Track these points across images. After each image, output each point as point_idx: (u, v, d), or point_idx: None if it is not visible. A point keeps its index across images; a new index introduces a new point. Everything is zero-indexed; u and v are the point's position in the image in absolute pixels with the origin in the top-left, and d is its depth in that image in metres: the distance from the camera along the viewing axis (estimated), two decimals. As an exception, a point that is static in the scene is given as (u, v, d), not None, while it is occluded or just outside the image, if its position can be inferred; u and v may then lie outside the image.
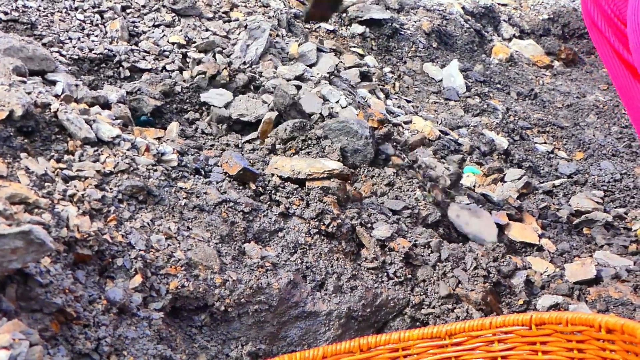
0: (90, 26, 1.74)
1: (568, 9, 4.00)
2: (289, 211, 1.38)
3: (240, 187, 1.36)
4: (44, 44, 1.58)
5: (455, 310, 1.39)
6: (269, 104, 1.68)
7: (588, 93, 3.21)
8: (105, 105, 1.45)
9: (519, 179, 2.06)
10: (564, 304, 1.49)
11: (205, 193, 1.31)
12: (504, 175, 2.11)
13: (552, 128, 2.70)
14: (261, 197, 1.38)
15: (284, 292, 1.28)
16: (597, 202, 2.07)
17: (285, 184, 1.43)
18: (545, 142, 2.59)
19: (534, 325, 1.10)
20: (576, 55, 3.67)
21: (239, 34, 1.93)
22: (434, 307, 1.39)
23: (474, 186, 2.01)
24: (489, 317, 1.18)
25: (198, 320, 1.20)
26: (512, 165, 2.28)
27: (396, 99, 2.46)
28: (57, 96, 1.34)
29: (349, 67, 2.37)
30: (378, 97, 2.32)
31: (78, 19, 1.73)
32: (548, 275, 1.63)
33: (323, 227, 1.37)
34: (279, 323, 1.28)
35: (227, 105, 1.66)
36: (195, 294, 1.18)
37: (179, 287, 1.16)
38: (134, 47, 1.75)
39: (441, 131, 2.29)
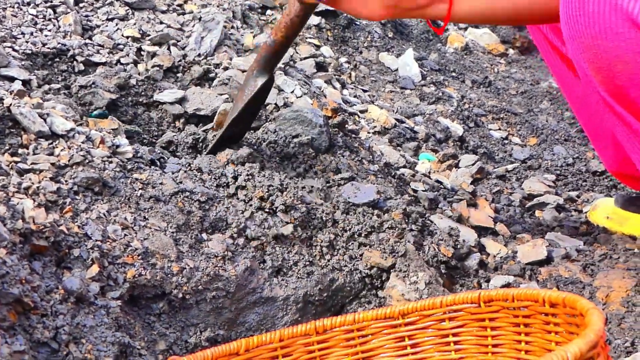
0: (43, 21, 1.74)
1: (522, -3, 4.05)
2: (244, 200, 1.40)
3: (196, 175, 1.38)
4: (-4, 40, 1.58)
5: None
6: (225, 96, 1.70)
7: (542, 80, 3.27)
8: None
9: (473, 164, 2.10)
10: (515, 284, 1.53)
11: (161, 183, 1.33)
12: (459, 161, 2.15)
13: (506, 115, 2.75)
14: (217, 187, 1.40)
15: (241, 279, 1.30)
16: (549, 186, 2.12)
17: (242, 172, 1.45)
18: (499, 129, 2.63)
19: (483, 303, 1.14)
20: (531, 43, 3.72)
21: (193, 26, 1.94)
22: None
23: (429, 173, 2.04)
24: (439, 296, 1.21)
25: (156, 308, 1.22)
26: (467, 152, 2.32)
27: (352, 88, 2.49)
28: (11, 91, 1.35)
29: (305, 58, 2.39)
30: (334, 87, 2.34)
31: (30, 14, 1.74)
32: (501, 257, 1.67)
33: (280, 215, 1.39)
34: (237, 309, 1.31)
35: (181, 101, 1.67)
36: (153, 282, 1.20)
37: (137, 275, 1.18)
38: (87, 41, 1.75)
39: (397, 119, 2.32)
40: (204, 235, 1.32)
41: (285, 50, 1.53)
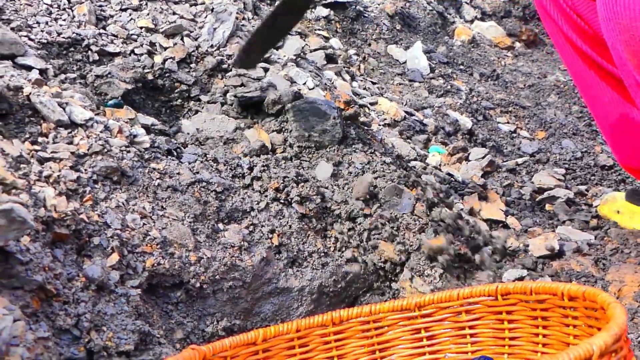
0: (58, 10, 1.74)
1: (529, -10, 4.05)
2: (260, 190, 1.41)
3: (213, 166, 1.38)
4: (12, 29, 1.58)
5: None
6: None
7: (549, 73, 3.27)
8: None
9: (483, 157, 2.11)
10: (528, 277, 1.54)
11: (178, 173, 1.33)
12: (469, 154, 2.15)
13: (514, 108, 2.75)
14: (233, 177, 1.41)
15: (257, 269, 1.31)
16: (559, 180, 2.12)
17: (257, 163, 1.45)
18: (507, 122, 2.64)
19: (500, 296, 1.15)
20: (537, 36, 3.73)
21: (205, 17, 1.95)
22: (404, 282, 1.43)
23: (440, 165, 2.05)
24: (456, 289, 1.22)
25: (174, 297, 1.22)
26: (476, 145, 2.32)
27: (361, 80, 2.49)
28: (29, 80, 1.35)
29: (315, 50, 2.39)
30: (344, 79, 2.35)
31: (45, 3, 1.74)
32: (513, 250, 1.68)
33: (296, 206, 1.40)
34: (253, 299, 1.31)
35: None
36: (171, 271, 1.20)
37: (155, 264, 1.19)
38: (102, 31, 1.75)
39: (406, 112, 2.33)
40: (221, 225, 1.32)
41: None
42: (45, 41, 1.61)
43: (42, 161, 1.19)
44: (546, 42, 3.77)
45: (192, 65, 1.78)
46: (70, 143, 1.25)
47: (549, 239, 1.71)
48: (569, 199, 1.99)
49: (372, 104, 2.30)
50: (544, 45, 3.73)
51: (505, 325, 1.15)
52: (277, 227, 1.37)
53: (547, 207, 1.96)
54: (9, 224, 0.89)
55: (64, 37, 1.66)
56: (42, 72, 1.45)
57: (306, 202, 1.42)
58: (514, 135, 2.53)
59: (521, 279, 1.53)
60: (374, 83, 2.55)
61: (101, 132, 1.30)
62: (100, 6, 1.83)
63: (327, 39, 2.60)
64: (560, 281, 1.56)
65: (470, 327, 1.18)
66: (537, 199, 1.99)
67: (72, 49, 1.66)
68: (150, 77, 1.67)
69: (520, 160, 2.23)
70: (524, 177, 2.14)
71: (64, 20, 1.72)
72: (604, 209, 1.87)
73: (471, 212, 1.73)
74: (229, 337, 1.14)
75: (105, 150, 1.27)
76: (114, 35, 1.76)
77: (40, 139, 1.22)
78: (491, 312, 1.16)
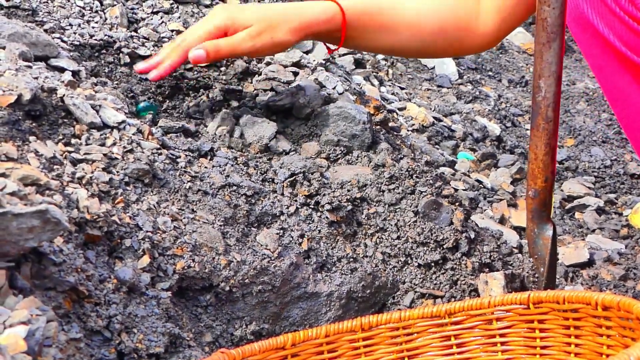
0: (90, 12, 1.75)
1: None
2: (289, 195, 1.41)
3: (243, 170, 1.38)
4: (45, 30, 1.59)
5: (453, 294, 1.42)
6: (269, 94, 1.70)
7: (578, 80, 3.25)
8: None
9: (512, 164, 2.10)
10: (559, 286, 1.53)
11: (208, 177, 1.33)
12: (497, 161, 2.14)
13: (543, 115, 2.73)
14: (263, 181, 1.41)
15: (287, 274, 1.31)
16: (589, 188, 2.11)
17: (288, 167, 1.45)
18: (536, 129, 2.62)
19: (532, 304, 1.14)
20: (565, 43, 3.70)
21: (236, 20, 1.95)
22: (433, 290, 1.42)
23: (469, 172, 2.04)
24: (487, 296, 1.21)
25: (203, 300, 1.23)
26: (504, 152, 2.31)
27: (390, 85, 2.49)
28: (62, 81, 1.36)
29: (344, 54, 2.39)
30: (372, 84, 2.35)
31: (78, 6, 1.75)
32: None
33: (326, 212, 1.39)
34: (282, 303, 1.31)
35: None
36: (201, 274, 1.21)
37: (185, 267, 1.19)
38: (133, 33, 1.76)
39: (435, 118, 2.32)
40: (251, 229, 1.32)
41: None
42: (77, 43, 1.62)
43: (75, 162, 1.19)
44: (575, 49, 3.75)
45: (222, 68, 1.78)
46: (103, 145, 1.25)
47: (579, 248, 1.70)
48: (599, 207, 1.98)
49: (400, 109, 2.29)
50: (573, 52, 3.71)
51: (536, 334, 1.14)
52: (306, 232, 1.37)
53: (577, 215, 1.94)
54: (43, 224, 0.89)
55: (96, 40, 1.66)
56: (75, 74, 1.46)
57: (336, 207, 1.41)
58: (543, 142, 2.51)
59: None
60: (402, 88, 2.54)
61: (133, 134, 1.30)
62: (132, 9, 1.84)
63: (355, 43, 2.60)
64: (591, 290, 1.55)
65: (501, 335, 1.18)
66: (566, 207, 1.98)
67: (104, 51, 1.67)
68: (180, 80, 1.67)
69: (549, 168, 2.22)
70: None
71: (96, 22, 1.73)
72: (635, 218, 1.85)
73: (501, 220, 1.72)
74: (258, 341, 1.14)
75: (137, 152, 1.27)
76: (145, 38, 1.77)
77: (73, 141, 1.23)
78: (523, 320, 1.15)
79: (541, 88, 1.32)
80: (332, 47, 1.69)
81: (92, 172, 1.19)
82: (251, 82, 1.76)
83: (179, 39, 1.53)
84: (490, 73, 2.97)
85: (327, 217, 1.40)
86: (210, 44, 1.46)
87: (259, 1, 1.78)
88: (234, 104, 1.66)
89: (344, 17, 1.57)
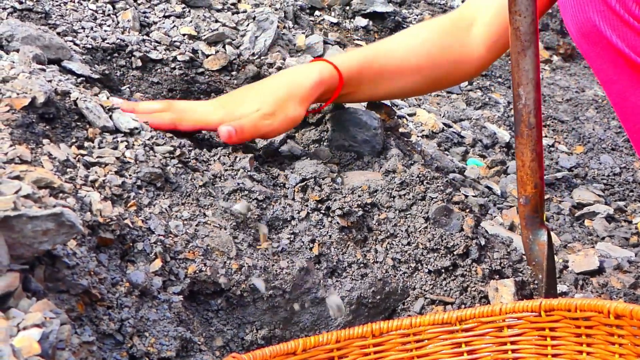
0: (103, 16, 1.76)
1: (567, 4, 4.02)
2: (300, 200, 1.41)
3: (254, 175, 1.38)
4: (58, 33, 1.60)
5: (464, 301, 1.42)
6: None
7: (587, 88, 3.25)
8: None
9: (522, 171, 2.09)
10: (569, 294, 1.53)
11: (220, 181, 1.34)
12: (507, 167, 2.14)
13: (552, 122, 2.74)
14: (274, 186, 1.41)
15: (297, 279, 1.31)
16: (599, 195, 2.10)
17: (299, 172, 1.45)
18: (545, 136, 2.62)
19: (543, 312, 1.14)
20: (574, 50, 3.70)
21: (247, 25, 1.96)
22: (443, 296, 1.42)
23: (479, 178, 2.04)
24: (498, 303, 1.21)
25: (215, 305, 1.23)
26: (513, 158, 2.31)
27: (399, 91, 2.49)
28: (75, 84, 1.36)
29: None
30: (382, 90, 2.34)
31: (90, 9, 1.76)
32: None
33: (337, 217, 1.39)
34: (292, 308, 1.31)
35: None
36: (213, 278, 1.21)
37: (197, 271, 1.19)
38: (145, 37, 1.77)
39: (444, 124, 2.32)
40: (261, 234, 1.32)
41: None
42: (90, 46, 1.63)
43: (88, 166, 1.20)
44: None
45: (234, 73, 1.79)
46: (115, 148, 1.25)
47: (589, 255, 1.70)
48: (608, 215, 1.98)
49: (410, 115, 2.29)
50: (581, 59, 3.71)
51: (548, 341, 1.14)
52: (317, 237, 1.37)
53: (587, 222, 1.94)
54: (58, 227, 0.89)
55: (108, 43, 1.67)
56: (88, 77, 1.46)
57: (346, 213, 1.42)
58: (552, 149, 2.52)
59: (563, 294, 1.52)
60: (411, 94, 2.54)
61: (146, 138, 1.31)
62: (144, 13, 1.84)
63: (365, 49, 2.60)
64: (601, 298, 1.55)
65: (512, 343, 1.17)
66: (576, 215, 1.98)
67: (115, 54, 1.68)
68: (192, 83, 1.68)
69: (559, 175, 2.22)
70: (562, 192, 2.13)
71: (109, 26, 1.73)
72: (645, 226, 1.85)
73: (511, 227, 1.72)
74: (269, 346, 1.14)
75: (150, 156, 1.27)
76: (157, 41, 1.77)
77: (86, 144, 1.23)
78: (534, 328, 1.15)
79: (521, 96, 1.33)
80: (317, 106, 1.62)
81: (105, 176, 1.19)
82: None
83: (173, 110, 1.44)
84: (499, 79, 2.97)
85: (337, 223, 1.40)
86: (236, 124, 1.41)
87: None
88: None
89: (341, 79, 1.54)
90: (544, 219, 1.43)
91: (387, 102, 2.15)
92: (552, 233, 1.81)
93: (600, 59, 1.47)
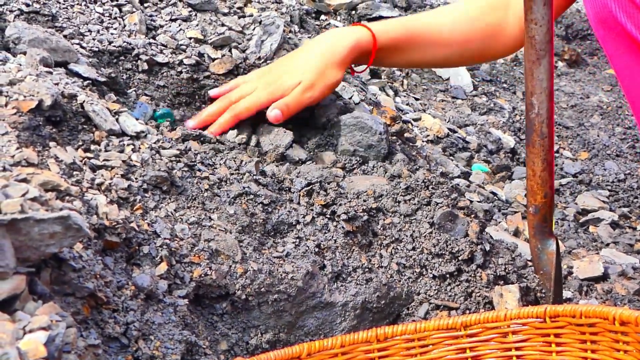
0: (109, 19, 1.76)
1: (571, 9, 4.03)
2: (306, 205, 1.41)
3: (260, 179, 1.39)
4: (65, 36, 1.60)
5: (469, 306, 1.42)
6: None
7: (592, 94, 3.25)
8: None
9: (527, 177, 2.09)
10: (574, 300, 1.53)
11: (226, 184, 1.34)
12: (512, 173, 2.14)
13: (557, 128, 2.74)
14: (280, 190, 1.41)
15: (302, 283, 1.31)
16: (603, 202, 2.10)
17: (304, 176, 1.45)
18: (550, 142, 2.61)
19: (548, 318, 1.14)
20: (579, 56, 3.70)
21: (253, 29, 1.96)
22: (448, 301, 1.42)
23: (483, 184, 2.04)
24: (503, 309, 1.21)
25: (220, 308, 1.23)
26: (518, 164, 2.31)
27: (405, 96, 2.49)
28: (82, 87, 1.37)
29: (359, 64, 2.39)
30: (387, 94, 2.35)
31: (97, 12, 1.76)
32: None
33: (342, 222, 1.40)
34: (297, 313, 1.31)
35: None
36: (218, 282, 1.21)
37: (202, 275, 1.19)
38: (151, 40, 1.77)
39: (449, 129, 2.32)
40: (267, 238, 1.32)
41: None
42: (96, 49, 1.63)
43: (94, 169, 1.20)
44: (589, 62, 3.75)
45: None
46: (122, 151, 1.26)
47: (593, 262, 1.70)
48: (613, 221, 1.97)
49: (415, 120, 2.29)
50: (587, 65, 3.71)
51: (552, 347, 1.14)
52: (322, 241, 1.37)
53: (591, 229, 1.94)
54: (65, 230, 0.89)
55: (114, 46, 1.67)
56: (95, 80, 1.46)
57: (351, 217, 1.42)
58: (557, 155, 2.51)
59: (567, 300, 1.52)
60: (416, 99, 2.54)
61: (152, 141, 1.31)
62: (151, 16, 1.84)
63: (370, 53, 2.60)
64: (605, 304, 1.55)
65: (517, 349, 1.17)
66: (580, 221, 1.98)
67: (122, 57, 1.68)
68: (198, 88, 1.68)
69: (564, 181, 2.22)
70: (567, 198, 2.13)
71: (115, 29, 1.73)
72: (649, 233, 1.85)
73: (516, 233, 1.72)
74: (274, 350, 1.14)
75: (156, 159, 1.28)
76: (163, 45, 1.77)
77: (92, 147, 1.24)
78: (539, 334, 1.15)
79: (534, 105, 1.32)
80: (357, 69, 1.76)
81: (111, 179, 1.19)
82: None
83: (231, 96, 1.60)
84: (504, 85, 2.96)
85: (343, 227, 1.41)
86: (281, 103, 1.56)
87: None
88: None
89: (375, 45, 1.64)
90: (553, 228, 1.42)
91: (392, 106, 2.15)
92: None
93: (615, 45, 1.51)
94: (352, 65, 1.73)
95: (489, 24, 1.71)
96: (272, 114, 1.54)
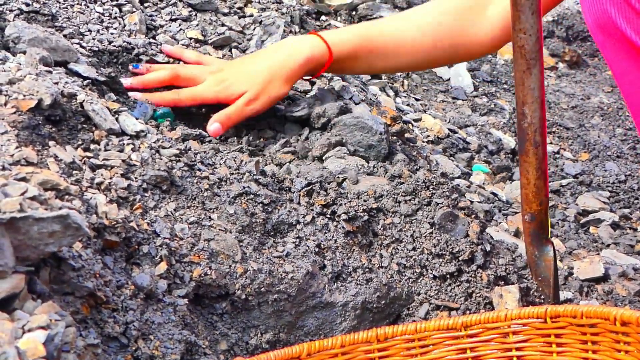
0: (109, 19, 1.76)
1: (572, 11, 4.03)
2: (306, 205, 1.40)
3: (260, 179, 1.38)
4: (64, 36, 1.60)
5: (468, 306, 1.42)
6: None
7: (592, 95, 3.24)
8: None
9: (527, 177, 2.09)
10: (574, 300, 1.52)
11: (226, 184, 1.34)
12: (512, 174, 2.14)
13: (557, 129, 2.73)
14: (280, 190, 1.41)
15: (302, 283, 1.31)
16: (604, 202, 2.10)
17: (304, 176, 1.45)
18: (551, 143, 2.61)
19: (549, 318, 1.13)
20: (580, 57, 3.69)
21: (254, 29, 1.95)
22: (448, 302, 1.42)
23: (484, 184, 2.03)
24: (504, 309, 1.20)
25: (219, 308, 1.23)
26: (518, 165, 2.30)
27: (405, 96, 2.49)
28: (82, 87, 1.36)
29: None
30: (387, 95, 2.35)
31: (97, 12, 1.76)
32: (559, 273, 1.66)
33: (342, 222, 1.39)
34: (297, 313, 1.31)
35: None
36: (217, 282, 1.21)
37: (202, 275, 1.19)
38: (151, 40, 1.77)
39: (450, 130, 2.32)
40: (267, 238, 1.32)
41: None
42: (96, 49, 1.63)
43: (94, 168, 1.20)
44: (589, 63, 3.74)
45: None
46: (121, 151, 1.25)
47: (594, 262, 1.69)
48: (613, 222, 1.97)
49: (415, 120, 2.29)
50: (587, 66, 3.70)
51: (553, 348, 1.14)
52: (322, 241, 1.37)
53: (592, 229, 1.94)
54: (64, 229, 0.89)
55: (114, 46, 1.67)
56: (94, 79, 1.46)
57: (352, 217, 1.41)
58: (557, 156, 2.51)
59: (568, 301, 1.51)
60: (417, 99, 2.54)
61: (152, 141, 1.31)
62: (151, 16, 1.84)
63: (371, 54, 2.60)
64: (606, 305, 1.54)
65: (518, 349, 1.17)
66: (581, 221, 1.97)
67: (122, 57, 1.67)
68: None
69: (564, 182, 2.21)
70: (568, 199, 2.12)
71: (115, 28, 1.73)
72: (650, 233, 1.85)
73: (516, 233, 1.72)
74: (274, 350, 1.14)
75: (156, 159, 1.27)
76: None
77: (92, 146, 1.23)
78: (539, 334, 1.15)
79: (526, 114, 1.31)
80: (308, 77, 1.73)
81: (111, 178, 1.19)
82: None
83: (180, 71, 1.62)
84: (505, 86, 2.96)
85: (343, 227, 1.40)
86: (222, 115, 1.56)
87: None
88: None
89: (330, 58, 1.64)
90: (549, 234, 1.42)
91: (392, 107, 2.15)
92: (557, 240, 1.81)
93: (614, 50, 1.50)
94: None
95: (464, 27, 1.68)
96: (212, 128, 1.55)
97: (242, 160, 1.44)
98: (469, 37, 1.69)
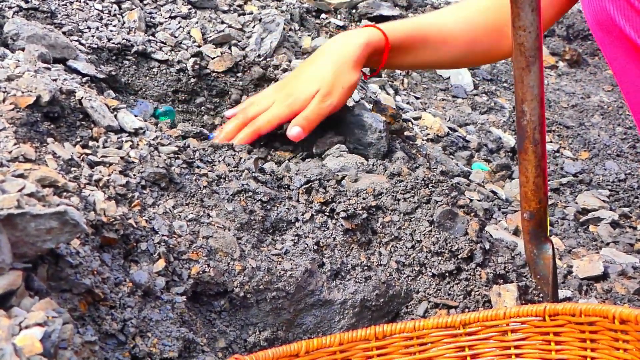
0: (108, 16, 1.76)
1: (573, 10, 4.03)
2: (305, 202, 1.40)
3: (259, 176, 1.38)
4: (64, 33, 1.60)
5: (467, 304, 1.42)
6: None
7: (592, 94, 3.24)
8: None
9: (527, 176, 2.09)
10: (573, 299, 1.52)
11: (224, 181, 1.33)
12: (512, 172, 2.14)
13: (557, 127, 2.73)
14: (279, 187, 1.41)
15: (301, 281, 1.30)
16: (603, 201, 2.10)
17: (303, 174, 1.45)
18: (551, 141, 2.61)
19: (548, 316, 1.13)
20: (580, 56, 3.69)
21: (253, 27, 1.95)
22: (447, 300, 1.41)
23: (483, 182, 2.03)
24: (502, 307, 1.20)
25: (217, 306, 1.22)
26: (518, 163, 2.30)
27: (405, 95, 2.49)
28: (80, 84, 1.36)
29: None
30: (387, 93, 2.35)
31: (96, 9, 1.75)
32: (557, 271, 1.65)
33: (341, 219, 1.39)
34: (295, 310, 1.31)
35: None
36: (216, 279, 1.20)
37: (200, 272, 1.19)
38: (151, 37, 1.76)
39: (450, 128, 2.32)
40: (266, 235, 1.32)
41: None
42: (95, 46, 1.63)
43: (92, 165, 1.19)
44: (589, 62, 3.74)
45: (239, 74, 1.79)
46: (120, 148, 1.25)
47: (593, 261, 1.69)
48: (613, 220, 1.97)
49: (415, 118, 2.29)
50: (587, 65, 3.70)
51: (552, 346, 1.14)
52: (321, 239, 1.37)
53: (592, 228, 1.93)
54: (62, 226, 0.89)
55: (113, 43, 1.67)
56: (93, 76, 1.46)
57: (351, 215, 1.41)
58: (557, 154, 2.51)
59: (567, 299, 1.51)
60: (417, 98, 2.54)
61: (150, 138, 1.30)
62: (150, 13, 1.84)
63: (371, 52, 2.60)
64: (605, 303, 1.54)
65: (516, 347, 1.17)
66: (580, 220, 1.97)
67: (121, 54, 1.67)
68: (197, 85, 1.68)
69: (564, 180, 2.21)
70: (567, 197, 2.12)
71: (114, 26, 1.73)
72: (650, 232, 1.84)
73: (515, 231, 1.72)
74: (272, 348, 1.14)
75: (154, 156, 1.27)
76: (162, 42, 1.77)
77: (90, 143, 1.23)
78: (538, 332, 1.15)
79: (525, 112, 1.31)
80: (367, 71, 1.73)
81: (109, 175, 1.19)
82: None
83: (248, 112, 1.56)
84: (505, 84, 2.96)
85: (342, 225, 1.40)
86: (300, 118, 1.53)
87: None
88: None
89: (387, 43, 1.62)
90: (548, 232, 1.42)
91: (392, 105, 2.14)
92: (556, 238, 1.81)
93: (613, 47, 1.50)
94: (366, 70, 1.72)
95: (495, 24, 1.70)
96: (293, 132, 1.52)
97: (241, 158, 1.43)
98: (502, 36, 1.71)
